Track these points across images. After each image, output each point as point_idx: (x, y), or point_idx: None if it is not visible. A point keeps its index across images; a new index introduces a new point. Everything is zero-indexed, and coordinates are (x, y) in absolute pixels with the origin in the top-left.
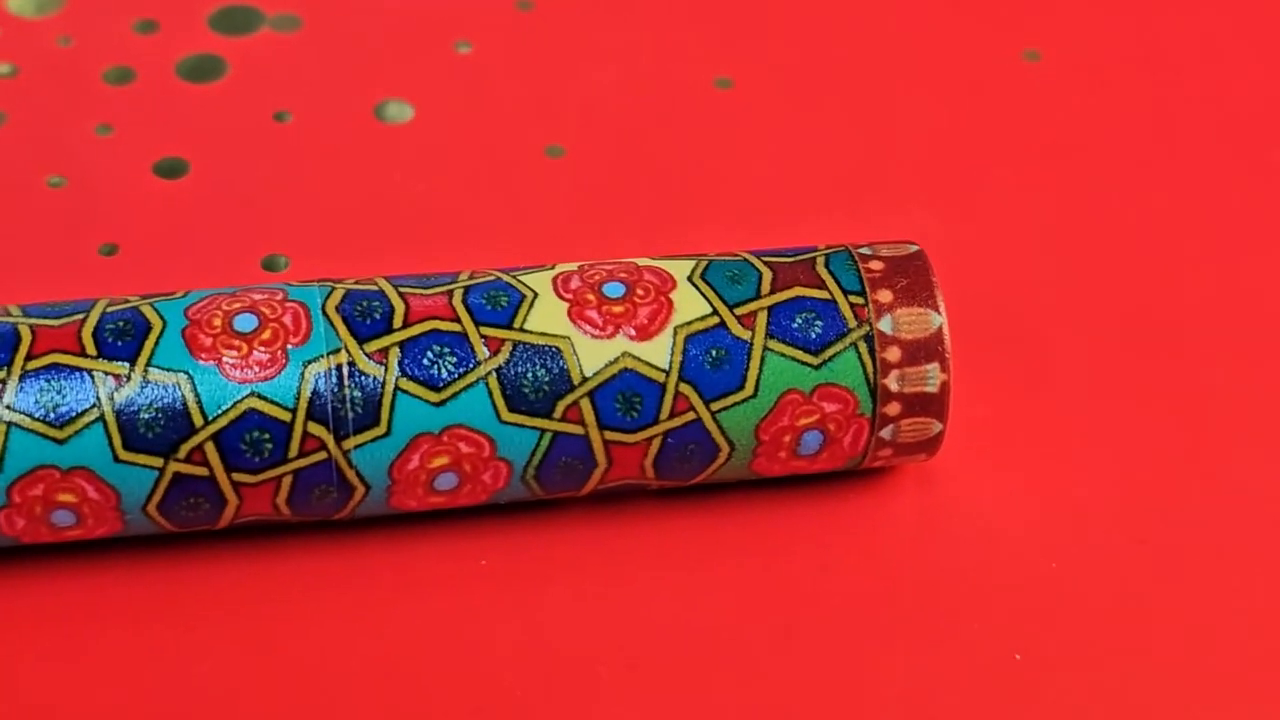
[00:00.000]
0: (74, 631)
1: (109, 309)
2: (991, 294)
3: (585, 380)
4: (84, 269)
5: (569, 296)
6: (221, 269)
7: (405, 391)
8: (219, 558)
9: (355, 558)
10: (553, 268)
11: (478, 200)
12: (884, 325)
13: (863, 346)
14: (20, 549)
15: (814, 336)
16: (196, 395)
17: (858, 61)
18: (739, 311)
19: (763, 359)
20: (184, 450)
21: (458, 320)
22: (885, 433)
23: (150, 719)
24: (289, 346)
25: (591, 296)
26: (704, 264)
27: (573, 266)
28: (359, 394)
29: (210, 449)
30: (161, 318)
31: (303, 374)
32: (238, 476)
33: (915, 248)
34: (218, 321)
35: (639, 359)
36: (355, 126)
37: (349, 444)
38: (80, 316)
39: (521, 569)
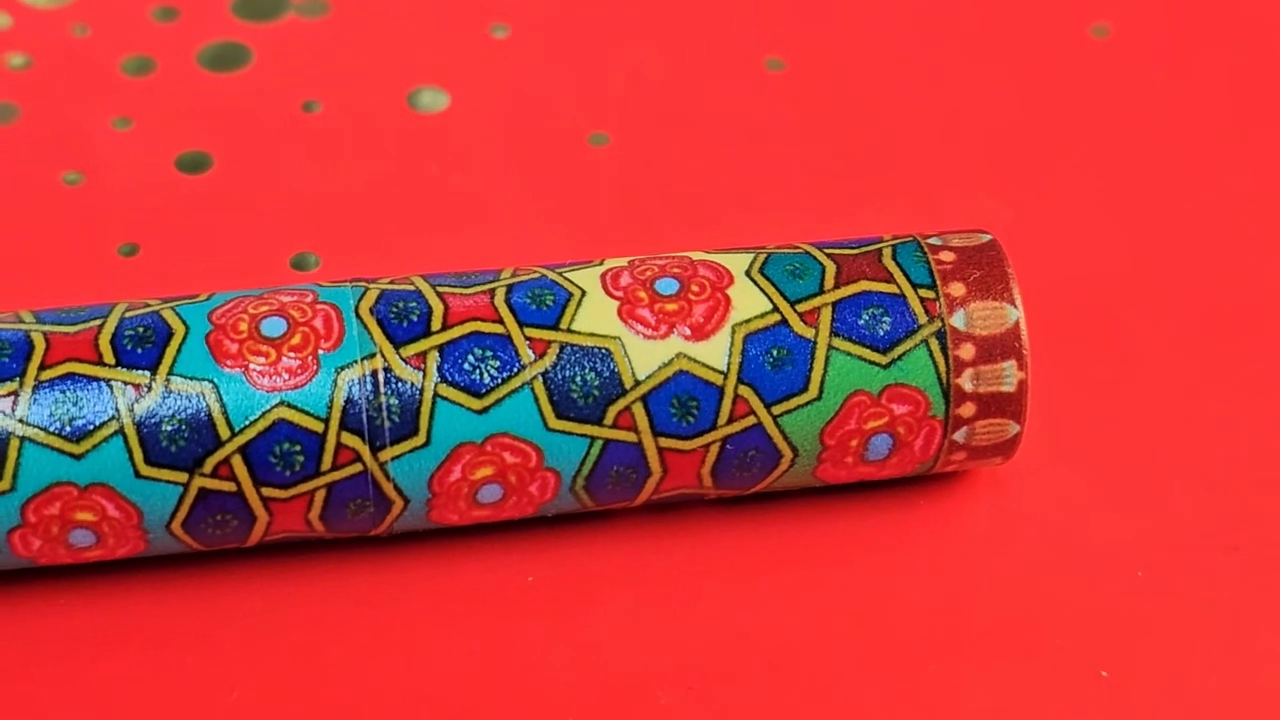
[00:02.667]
0: (95, 657)
1: (128, 314)
2: (1069, 285)
3: (638, 384)
4: (103, 270)
5: (619, 294)
6: (248, 269)
7: (445, 398)
8: (248, 577)
9: (393, 575)
10: (601, 263)
11: (518, 192)
12: (957, 320)
13: (934, 344)
14: (37, 570)
15: (882, 334)
16: (222, 405)
17: (916, 39)
18: (801, 308)
19: (827, 358)
20: (210, 464)
21: (500, 321)
22: (959, 435)
23: None
24: (320, 352)
25: (643, 294)
26: (762, 257)
27: (622, 262)
28: (396, 401)
29: (238, 462)
30: (184, 323)
31: (335, 381)
32: (267, 491)
33: (988, 237)
34: (244, 326)
35: (695, 360)
36: (388, 116)
37: (386, 455)
38: (97, 322)
39: (571, 586)
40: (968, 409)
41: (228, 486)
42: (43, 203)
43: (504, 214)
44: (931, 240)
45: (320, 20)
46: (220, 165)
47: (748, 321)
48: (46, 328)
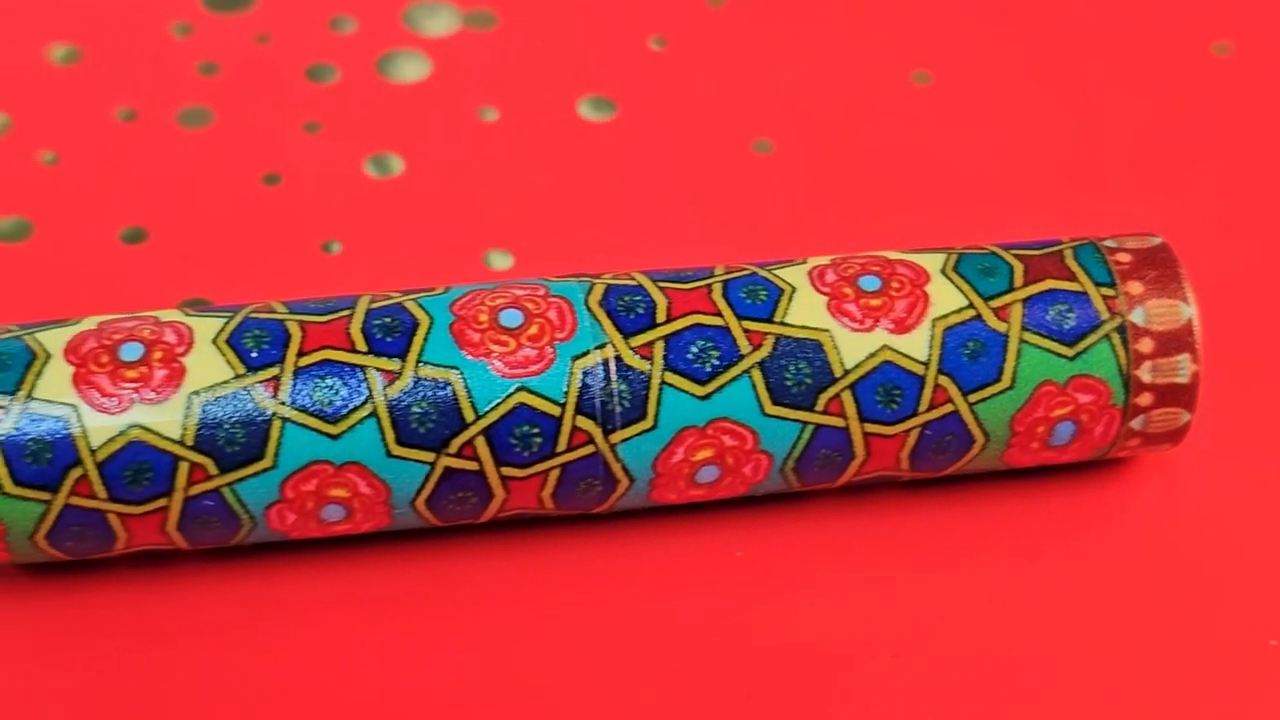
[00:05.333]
0: (334, 622)
1: (373, 305)
2: (1221, 283)
3: (847, 373)
4: (308, 266)
5: (826, 290)
6: (444, 265)
7: (671, 385)
8: (480, 552)
9: (615, 550)
10: (804, 262)
11: (689, 196)
12: (1136, 317)
13: (1116, 338)
14: (277, 544)
15: (1068, 328)
16: (467, 390)
17: (1052, 54)
18: (994, 304)
19: (1019, 351)
20: (455, 445)
21: (719, 314)
22: (1135, 423)
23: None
24: (556, 342)
25: (849, 290)
26: (954, 257)
27: (825, 260)
28: (626, 388)
29: (481, 444)
30: (427, 314)
31: (571, 369)
32: (506, 470)
33: (1159, 240)
34: (484, 317)
35: (899, 352)
36: (560, 123)
37: (616, 438)
38: (346, 313)
39: (777, 560)
40: (1145, 398)
41: (471, 466)
42: (245, 202)
43: (674, 216)
44: (1107, 243)
45: (489, 31)
46: (409, 167)
47: (945, 316)
48: (300, 317)
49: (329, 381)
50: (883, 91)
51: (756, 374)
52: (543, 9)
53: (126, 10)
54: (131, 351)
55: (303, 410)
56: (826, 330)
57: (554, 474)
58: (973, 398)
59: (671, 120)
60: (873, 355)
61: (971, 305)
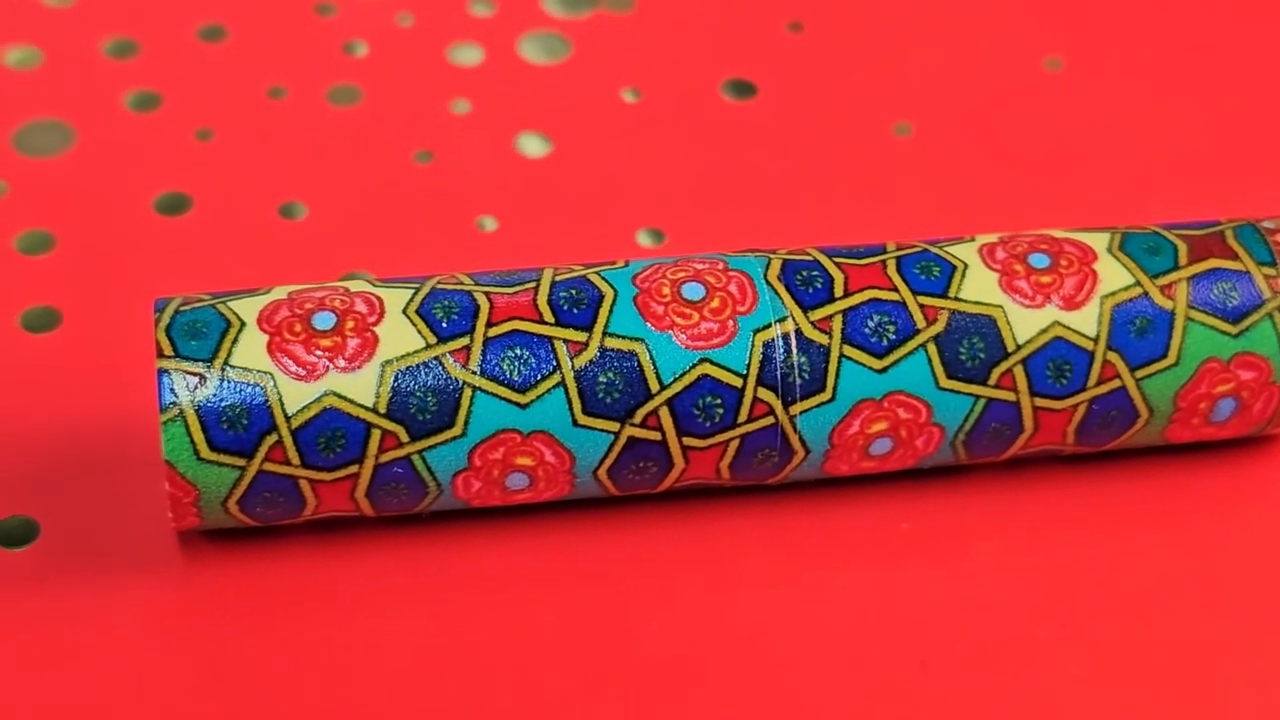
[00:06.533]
0: (519, 593)
1: (558, 278)
2: None
3: (1019, 348)
4: (463, 242)
5: (997, 267)
6: (596, 242)
7: (849, 358)
8: (655, 522)
9: (787, 520)
10: (973, 239)
11: (831, 177)
12: None
13: (1278, 316)
14: (466, 512)
15: (1231, 306)
16: (653, 361)
17: (1168, 53)
18: (1159, 282)
19: (1185, 328)
20: (640, 415)
21: (895, 290)
22: None
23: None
24: (738, 315)
25: (1019, 267)
26: (1119, 236)
27: (993, 238)
28: (806, 360)
29: (664, 414)
30: (611, 286)
31: (753, 341)
32: (688, 441)
33: None
34: (666, 290)
35: (1069, 328)
36: (704, 105)
37: (795, 409)
38: (531, 285)
39: (942, 532)
40: None
41: (653, 435)
42: (400, 179)
43: (819, 198)
44: (1265, 224)
45: (628, 14)
46: (559, 147)
47: (1114, 294)
48: (486, 288)
49: (518, 351)
50: (1015, 77)
51: (932, 348)
52: None
53: None
54: (324, 321)
55: (493, 379)
56: (999, 306)
57: (733, 444)
58: (1139, 373)
59: (811, 103)
60: (1044, 331)
61: (1139, 283)
